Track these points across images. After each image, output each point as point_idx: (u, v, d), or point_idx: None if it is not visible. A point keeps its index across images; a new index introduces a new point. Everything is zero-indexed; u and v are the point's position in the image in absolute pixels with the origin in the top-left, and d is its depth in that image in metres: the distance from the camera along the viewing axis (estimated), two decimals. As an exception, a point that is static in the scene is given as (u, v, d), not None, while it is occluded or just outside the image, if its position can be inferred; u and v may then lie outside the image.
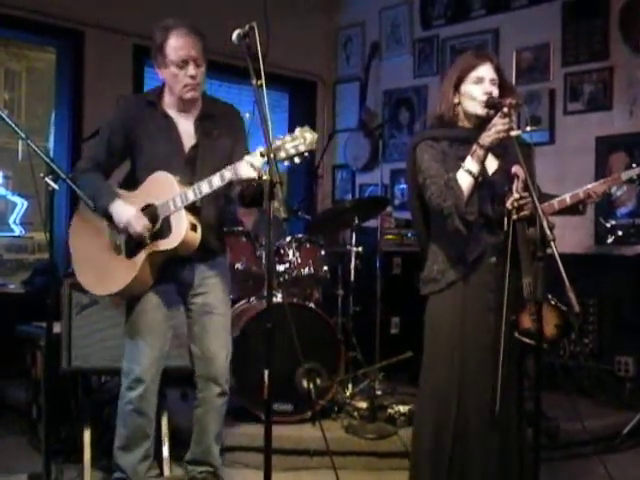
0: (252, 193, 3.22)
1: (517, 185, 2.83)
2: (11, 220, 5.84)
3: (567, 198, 3.12)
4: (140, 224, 3.16)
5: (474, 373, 2.91)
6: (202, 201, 3.18)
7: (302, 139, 2.75)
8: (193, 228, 3.17)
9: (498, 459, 2.92)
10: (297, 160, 2.76)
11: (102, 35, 5.76)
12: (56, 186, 2.90)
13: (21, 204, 5.85)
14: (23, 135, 2.94)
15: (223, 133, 3.35)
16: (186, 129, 3.33)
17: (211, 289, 3.40)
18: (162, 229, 3.17)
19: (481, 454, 2.90)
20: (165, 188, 3.18)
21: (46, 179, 2.90)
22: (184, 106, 3.33)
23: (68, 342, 3.72)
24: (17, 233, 5.86)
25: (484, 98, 2.89)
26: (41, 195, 3.07)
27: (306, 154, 2.76)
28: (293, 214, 5.28)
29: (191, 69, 3.23)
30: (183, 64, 3.22)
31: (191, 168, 3.28)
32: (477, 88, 2.92)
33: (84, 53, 5.77)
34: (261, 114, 2.70)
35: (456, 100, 2.98)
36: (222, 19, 4.59)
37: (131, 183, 3.36)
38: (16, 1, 5.37)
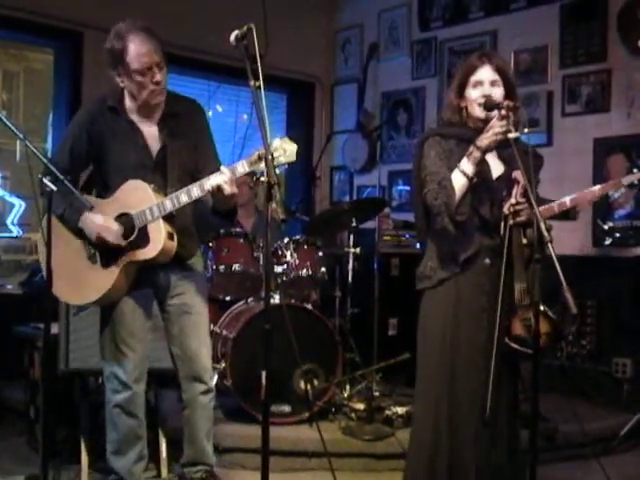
0: (225, 209, 3.21)
1: (516, 190, 2.83)
2: (9, 221, 5.84)
3: (567, 201, 3.12)
4: (112, 234, 3.13)
5: (465, 371, 2.92)
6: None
7: (282, 150, 2.76)
8: (170, 237, 3.15)
9: (490, 459, 2.92)
10: (277, 171, 2.75)
11: (100, 36, 5.65)
12: (54, 187, 2.89)
13: (19, 205, 5.85)
14: (21, 136, 2.93)
15: (187, 131, 3.32)
16: (151, 133, 3.29)
17: (187, 289, 3.38)
18: (139, 238, 3.14)
19: (472, 451, 2.90)
20: (140, 197, 3.14)
21: (44, 180, 2.90)
22: (147, 110, 3.27)
23: (66, 343, 3.72)
24: (15, 234, 5.86)
25: (482, 100, 2.90)
26: (39, 196, 3.07)
27: (286, 165, 2.76)
28: (291, 215, 5.28)
29: (157, 75, 3.16)
30: (147, 71, 3.14)
31: (161, 171, 3.26)
32: (476, 91, 2.94)
33: (82, 54, 5.77)
34: (259, 115, 2.70)
35: (463, 104, 2.99)
36: (220, 20, 4.58)
37: (99, 189, 3.33)
38: (14, 2, 5.37)
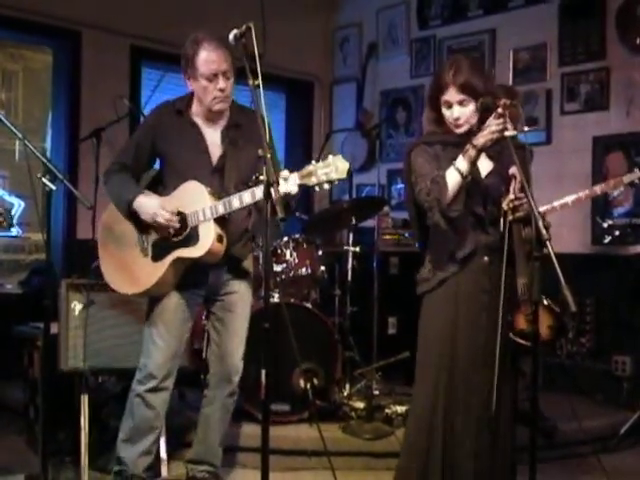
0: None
1: (514, 186, 2.83)
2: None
3: (569, 201, 3.12)
4: (167, 213, 3.22)
5: (464, 372, 2.91)
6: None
7: (334, 167, 2.79)
8: (219, 239, 3.24)
9: (486, 459, 2.91)
10: (326, 186, 2.80)
11: (99, 35, 5.76)
12: (53, 186, 2.90)
13: (18, 204, 5.85)
14: (20, 135, 2.94)
15: (249, 142, 3.36)
16: (213, 139, 3.39)
17: (236, 290, 3.47)
18: (189, 237, 3.24)
19: (467, 453, 2.90)
20: (196, 198, 3.24)
21: (43, 179, 2.91)
22: (212, 116, 3.38)
23: (65, 342, 3.72)
24: (14, 233, 5.85)
25: (451, 122, 2.91)
26: (38, 195, 3.07)
27: (336, 182, 2.79)
28: (290, 214, 5.27)
29: (221, 82, 3.27)
30: (213, 77, 3.26)
31: (219, 177, 3.34)
32: (447, 112, 2.96)
33: (81, 53, 5.77)
34: (258, 114, 2.70)
35: (442, 119, 2.99)
36: (219, 19, 4.59)
37: (158, 188, 3.42)
38: (13, 1, 5.36)
